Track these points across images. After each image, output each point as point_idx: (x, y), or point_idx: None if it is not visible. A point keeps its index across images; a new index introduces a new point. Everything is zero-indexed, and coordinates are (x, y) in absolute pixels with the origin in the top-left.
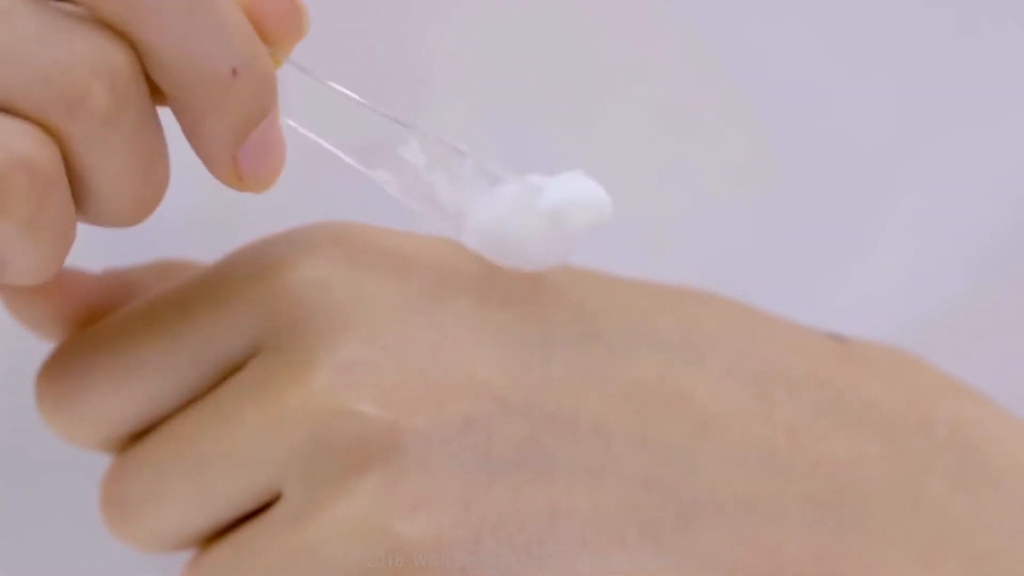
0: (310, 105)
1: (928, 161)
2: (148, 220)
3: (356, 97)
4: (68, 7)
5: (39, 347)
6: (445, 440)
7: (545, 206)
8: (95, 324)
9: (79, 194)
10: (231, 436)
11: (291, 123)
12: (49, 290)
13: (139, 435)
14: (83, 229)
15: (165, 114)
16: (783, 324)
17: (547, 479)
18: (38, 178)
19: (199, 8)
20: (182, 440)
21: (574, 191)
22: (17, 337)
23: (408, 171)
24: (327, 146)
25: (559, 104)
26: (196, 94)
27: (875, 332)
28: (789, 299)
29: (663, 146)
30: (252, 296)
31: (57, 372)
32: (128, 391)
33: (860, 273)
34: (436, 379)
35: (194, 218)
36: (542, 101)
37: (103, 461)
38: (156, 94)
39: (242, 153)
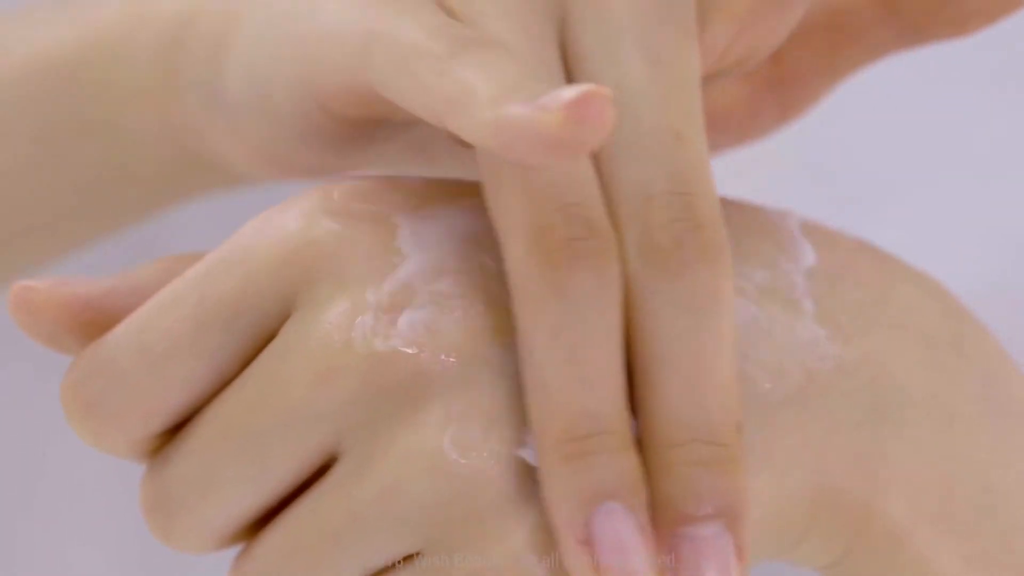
0: None
1: (923, 196)
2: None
3: None
4: None
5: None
6: (503, 362)
7: None
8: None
9: None
10: (281, 399)
11: None
12: (60, 302)
13: (172, 433)
14: None
15: None
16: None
17: None
18: None
19: None
20: (227, 418)
21: None
22: None
23: None
24: None
25: None
26: None
27: None
28: None
29: None
30: (275, 259)
31: (82, 376)
32: (160, 380)
33: None
34: (479, 307)
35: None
36: None
37: None
38: None
39: None
